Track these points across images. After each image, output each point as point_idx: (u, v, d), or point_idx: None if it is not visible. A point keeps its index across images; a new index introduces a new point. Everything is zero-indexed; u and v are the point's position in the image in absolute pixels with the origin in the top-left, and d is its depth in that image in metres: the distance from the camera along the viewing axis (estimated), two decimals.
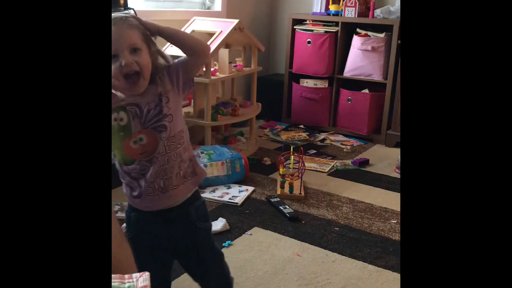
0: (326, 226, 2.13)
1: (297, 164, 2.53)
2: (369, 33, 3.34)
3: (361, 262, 1.85)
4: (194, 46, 1.17)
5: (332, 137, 3.45)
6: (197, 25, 2.92)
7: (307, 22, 3.55)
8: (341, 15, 3.42)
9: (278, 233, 2.05)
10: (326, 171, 2.82)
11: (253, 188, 2.51)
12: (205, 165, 2.48)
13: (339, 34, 3.42)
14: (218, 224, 2.05)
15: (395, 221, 2.21)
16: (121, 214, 1.78)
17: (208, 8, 3.55)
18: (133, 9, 2.38)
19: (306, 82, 3.60)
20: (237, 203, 2.32)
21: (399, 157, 2.86)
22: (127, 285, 0.66)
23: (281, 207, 2.25)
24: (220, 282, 1.36)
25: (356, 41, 3.36)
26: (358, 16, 3.36)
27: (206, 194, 2.39)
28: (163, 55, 1.19)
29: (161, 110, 1.13)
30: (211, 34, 2.79)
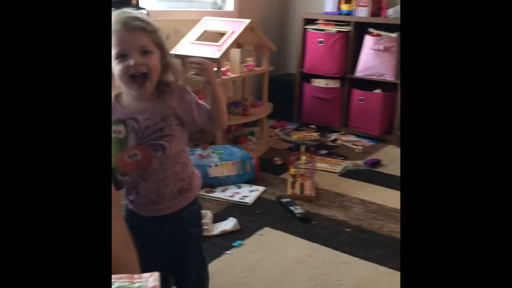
0: (337, 227, 2.12)
1: (308, 164, 2.52)
2: (382, 32, 3.31)
3: (372, 264, 1.84)
4: (220, 120, 1.20)
5: (343, 137, 3.43)
6: (208, 25, 2.92)
7: (319, 21, 3.54)
8: (353, 14, 3.40)
9: (289, 233, 2.05)
10: (338, 171, 2.80)
11: (264, 188, 2.50)
12: (216, 165, 2.48)
13: (351, 33, 3.40)
14: (229, 224, 2.05)
15: None
16: None
17: (220, 8, 3.55)
18: (145, 9, 2.39)
19: (318, 81, 3.58)
20: (247, 203, 2.31)
21: None
22: (136, 285, 0.66)
23: (291, 208, 2.24)
24: None
25: (368, 40, 3.34)
26: (370, 15, 3.34)
27: (217, 194, 2.39)
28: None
29: (161, 129, 1.12)
30: (222, 34, 2.79)
